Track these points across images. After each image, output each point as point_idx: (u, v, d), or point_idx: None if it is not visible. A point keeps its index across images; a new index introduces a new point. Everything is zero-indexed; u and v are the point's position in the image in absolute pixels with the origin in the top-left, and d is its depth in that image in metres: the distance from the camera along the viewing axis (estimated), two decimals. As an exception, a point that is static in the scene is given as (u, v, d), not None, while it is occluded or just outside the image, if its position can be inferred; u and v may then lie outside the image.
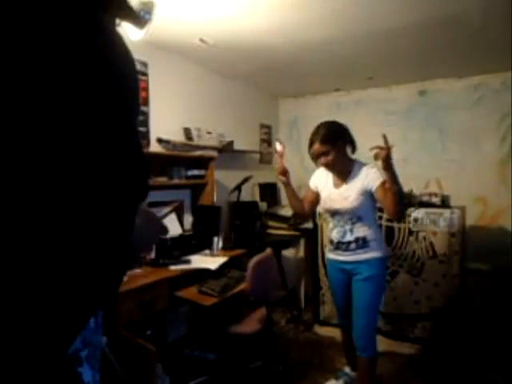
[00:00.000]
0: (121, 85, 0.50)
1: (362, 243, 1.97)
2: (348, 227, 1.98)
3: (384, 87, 4.03)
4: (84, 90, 0.44)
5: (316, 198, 2.16)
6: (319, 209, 2.58)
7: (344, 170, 1.99)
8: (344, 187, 1.98)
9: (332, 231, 2.08)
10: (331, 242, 2.10)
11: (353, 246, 1.99)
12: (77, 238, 0.45)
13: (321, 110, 4.28)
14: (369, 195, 1.93)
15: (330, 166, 1.97)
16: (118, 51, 0.51)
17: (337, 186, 2.02)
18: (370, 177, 1.91)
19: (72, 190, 0.44)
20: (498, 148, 3.56)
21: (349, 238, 1.99)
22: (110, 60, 0.48)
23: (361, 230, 1.97)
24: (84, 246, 0.46)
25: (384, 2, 2.11)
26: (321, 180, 2.11)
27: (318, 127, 1.98)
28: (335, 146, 1.93)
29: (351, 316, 2.04)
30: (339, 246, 2.03)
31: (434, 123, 3.84)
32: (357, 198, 1.92)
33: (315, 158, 1.98)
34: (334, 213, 2.03)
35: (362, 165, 1.99)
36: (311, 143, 1.97)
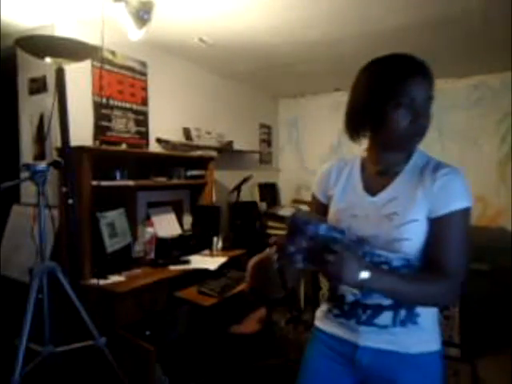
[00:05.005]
0: None
1: (406, 315, 0.94)
2: None
3: (384, 87, 4.02)
4: None
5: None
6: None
7: (399, 153, 1.01)
8: (387, 192, 0.96)
9: None
10: (336, 298, 1.06)
11: (387, 317, 0.94)
12: None
13: (321, 110, 4.27)
14: (428, 222, 0.92)
15: (404, 131, 0.98)
16: None
17: (372, 188, 1.00)
18: (447, 189, 0.91)
19: None
20: (497, 148, 3.56)
21: (380, 298, 0.93)
22: None
23: None
24: None
25: (384, 1, 2.11)
26: (331, 178, 1.08)
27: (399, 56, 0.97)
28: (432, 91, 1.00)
29: None
30: (355, 310, 0.98)
31: (434, 123, 3.71)
32: (411, 219, 0.90)
33: (384, 103, 0.95)
34: (357, 242, 0.96)
35: (431, 159, 1.02)
36: (388, 75, 0.95)
